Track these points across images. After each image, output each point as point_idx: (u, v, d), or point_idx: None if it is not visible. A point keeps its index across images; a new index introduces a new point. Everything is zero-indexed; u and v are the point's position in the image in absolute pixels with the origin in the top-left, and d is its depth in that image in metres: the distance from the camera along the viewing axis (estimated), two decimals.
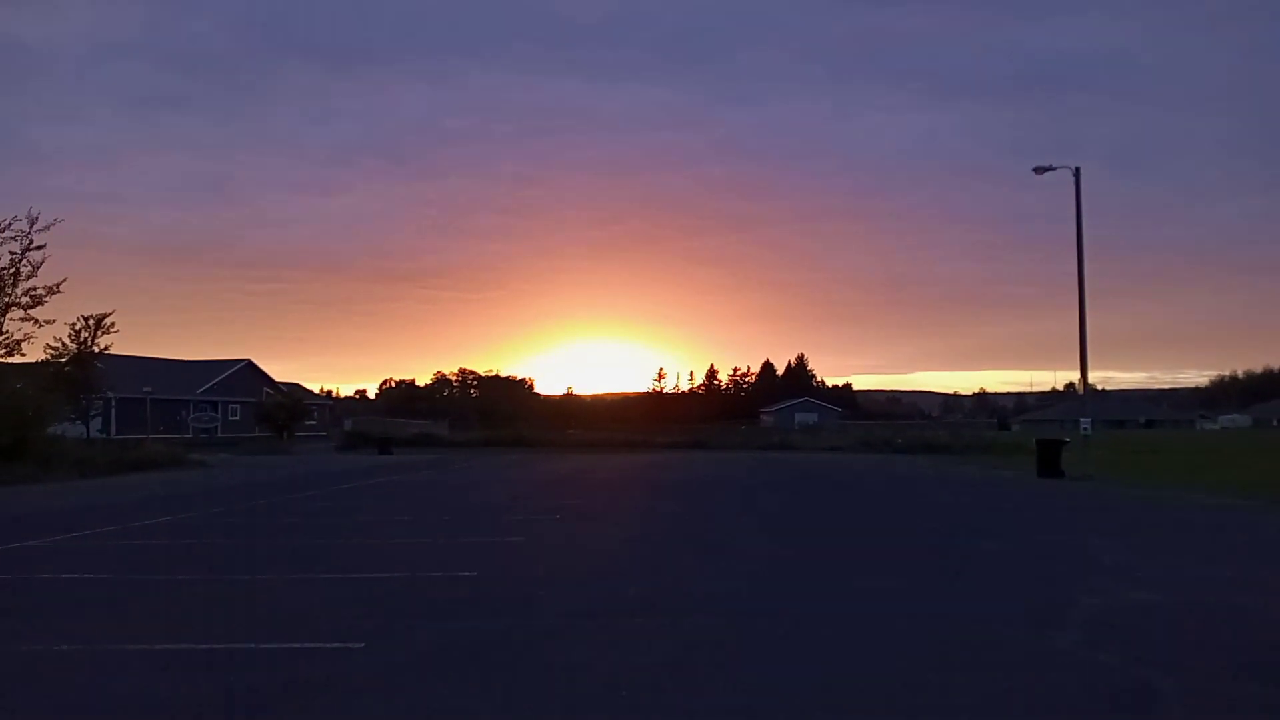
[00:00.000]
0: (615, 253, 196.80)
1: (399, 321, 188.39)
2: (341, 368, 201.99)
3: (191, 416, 61.51)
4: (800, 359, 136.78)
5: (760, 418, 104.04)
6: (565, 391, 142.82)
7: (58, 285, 32.20)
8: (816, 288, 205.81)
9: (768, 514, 17.84)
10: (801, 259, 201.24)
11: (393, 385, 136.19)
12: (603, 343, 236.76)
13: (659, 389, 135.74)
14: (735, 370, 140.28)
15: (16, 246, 31.57)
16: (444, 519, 16.73)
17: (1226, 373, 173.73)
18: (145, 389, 54.51)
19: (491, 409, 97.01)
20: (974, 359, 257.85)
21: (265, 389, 70.60)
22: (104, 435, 50.71)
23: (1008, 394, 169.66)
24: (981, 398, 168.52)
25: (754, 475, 30.35)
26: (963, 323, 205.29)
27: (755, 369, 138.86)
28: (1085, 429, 27.91)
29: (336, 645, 7.11)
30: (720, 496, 21.42)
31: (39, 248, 31.64)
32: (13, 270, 31.66)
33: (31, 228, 31.53)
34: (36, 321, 32.14)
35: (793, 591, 9.36)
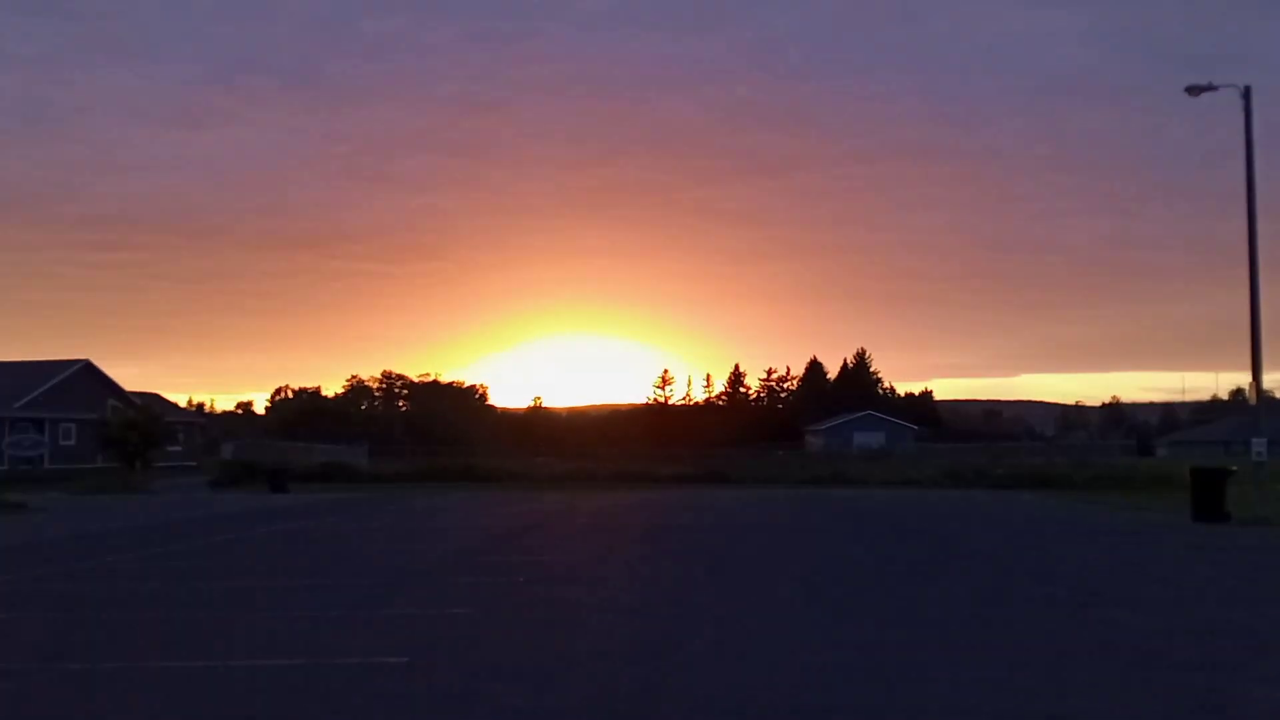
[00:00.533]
0: (599, 208, 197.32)
1: (298, 306, 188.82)
2: (218, 371, 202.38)
3: (7, 441, 61.32)
4: (860, 358, 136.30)
5: (805, 439, 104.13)
6: (532, 404, 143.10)
7: None
8: (880, 257, 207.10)
9: (825, 571, 17.83)
10: (858, 216, 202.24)
11: (290, 396, 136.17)
12: (583, 337, 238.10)
13: (662, 399, 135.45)
14: (769, 373, 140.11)
15: None
16: (364, 583, 16.72)
17: None
18: None
19: (429, 429, 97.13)
20: (1103, 357, 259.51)
21: (111, 401, 70.44)
22: None
23: (1150, 404, 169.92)
24: (1113, 410, 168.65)
25: (800, 518, 30.37)
26: (1087, 306, 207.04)
27: (797, 371, 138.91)
28: (1260, 454, 28.00)
29: None
30: (745, 550, 21.47)
31: None
32: None
33: None
34: None
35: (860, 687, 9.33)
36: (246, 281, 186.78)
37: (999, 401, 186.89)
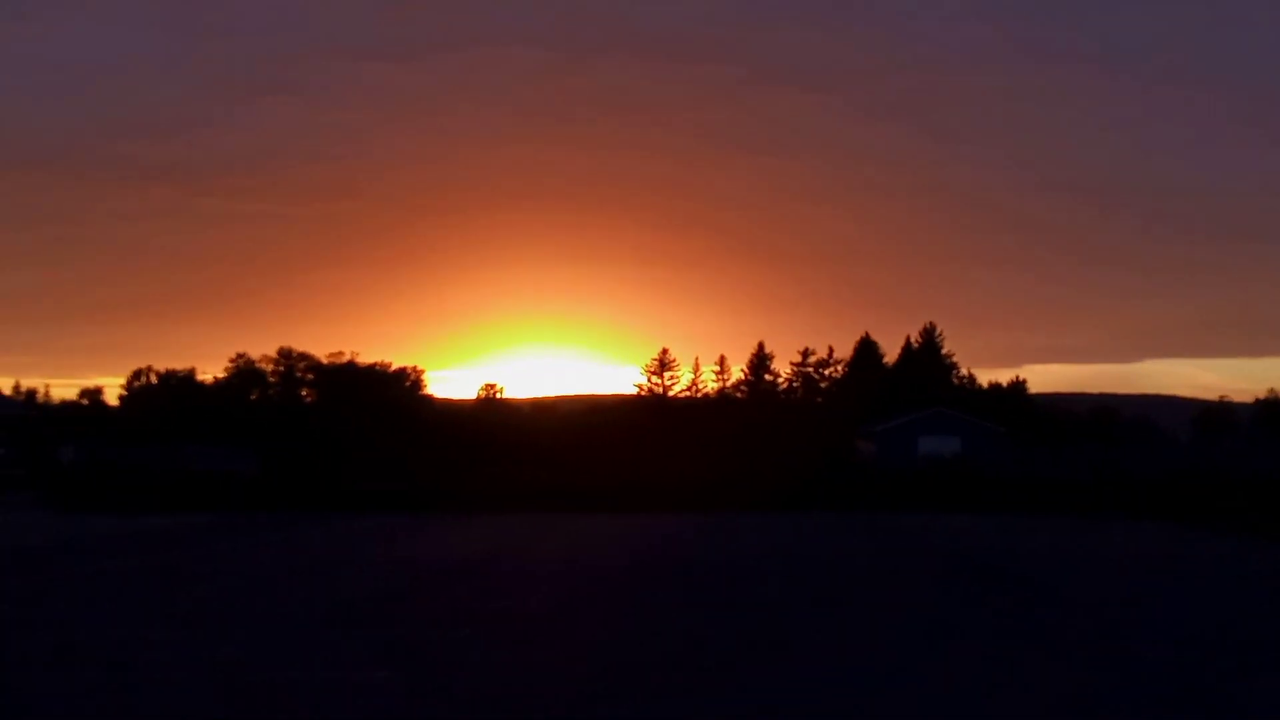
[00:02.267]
0: (570, 129, 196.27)
1: (160, 260, 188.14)
2: (54, 349, 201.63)
3: None
4: (928, 336, 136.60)
5: (856, 443, 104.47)
6: (483, 393, 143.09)
7: None
8: (951, 202, 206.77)
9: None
10: (922, 143, 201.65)
11: (153, 381, 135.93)
12: (552, 305, 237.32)
13: (659, 387, 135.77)
14: (804, 355, 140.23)
15: None
16: (256, 630, 16.66)
17: None
18: None
19: (342, 429, 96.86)
20: (1257, 337, 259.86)
21: None
22: None
23: None
24: (1271, 407, 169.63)
25: (842, 575, 30.38)
26: (1236, 271, 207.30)
27: (843, 353, 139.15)
28: None
29: None
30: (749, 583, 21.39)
31: None
32: None
33: None
34: None
35: None
36: (88, 226, 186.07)
37: (1114, 396, 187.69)
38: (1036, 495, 53.38)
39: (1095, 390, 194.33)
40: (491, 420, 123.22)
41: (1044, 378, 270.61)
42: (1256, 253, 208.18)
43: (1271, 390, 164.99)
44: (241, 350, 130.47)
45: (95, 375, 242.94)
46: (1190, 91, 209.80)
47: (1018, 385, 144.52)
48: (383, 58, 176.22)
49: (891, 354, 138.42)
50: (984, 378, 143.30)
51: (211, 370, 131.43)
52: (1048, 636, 17.34)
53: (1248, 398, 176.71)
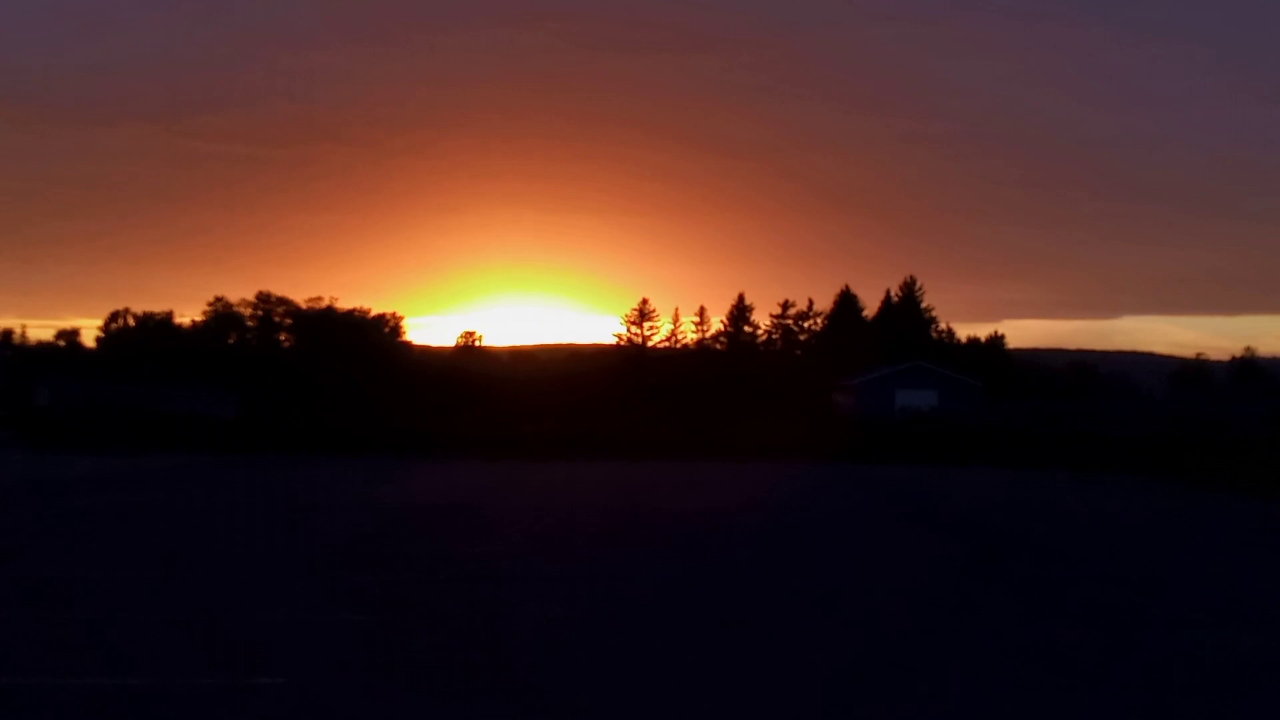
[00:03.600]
0: (555, 76, 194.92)
1: (139, 202, 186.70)
2: (31, 289, 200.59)
3: None
4: (908, 290, 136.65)
5: (833, 397, 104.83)
6: (462, 341, 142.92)
7: None
8: (937, 154, 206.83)
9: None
10: (907, 93, 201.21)
11: (130, 324, 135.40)
12: (532, 251, 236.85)
13: (638, 337, 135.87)
14: (784, 307, 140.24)
15: None
16: (226, 571, 16.74)
17: None
18: None
19: (320, 374, 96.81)
20: (1234, 294, 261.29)
21: None
22: None
23: None
24: (1247, 366, 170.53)
25: (843, 535, 30.65)
26: (1214, 227, 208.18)
27: (823, 306, 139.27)
28: None
29: None
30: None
31: None
32: None
33: None
34: None
35: None
36: (65, 165, 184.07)
37: (1092, 352, 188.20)
38: (1010, 449, 53.86)
39: (1073, 346, 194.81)
40: (470, 367, 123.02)
41: (1022, 333, 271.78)
42: (1234, 211, 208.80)
43: (1248, 348, 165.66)
44: (220, 294, 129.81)
45: (72, 317, 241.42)
46: (1174, 47, 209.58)
47: (996, 340, 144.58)
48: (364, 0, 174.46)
49: (871, 307, 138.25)
50: (963, 332, 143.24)
51: (189, 313, 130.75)
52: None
53: (1224, 355, 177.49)
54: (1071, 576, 18.83)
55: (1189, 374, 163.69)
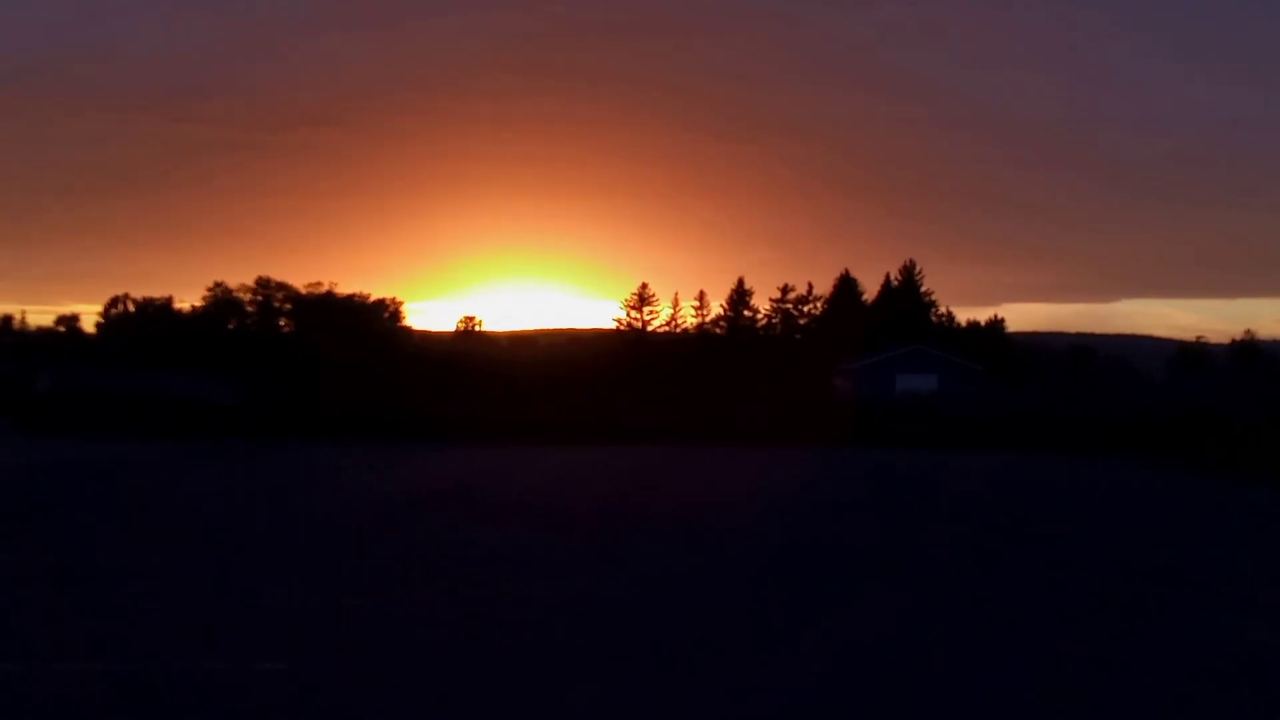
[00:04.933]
0: (550, 58, 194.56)
1: (137, 187, 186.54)
2: (31, 275, 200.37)
3: None
4: (908, 274, 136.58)
5: (833, 381, 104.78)
6: (462, 326, 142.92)
7: None
8: (935, 137, 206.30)
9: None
10: (905, 77, 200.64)
11: (130, 310, 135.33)
12: (530, 235, 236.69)
13: (638, 322, 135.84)
14: (783, 291, 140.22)
15: None
16: (228, 555, 16.75)
17: None
18: None
19: (321, 359, 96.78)
20: (1234, 277, 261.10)
21: None
22: None
23: None
24: (1247, 348, 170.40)
25: (845, 519, 30.62)
26: (1213, 208, 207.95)
27: (822, 290, 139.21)
28: None
29: None
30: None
31: None
32: None
33: None
34: None
35: None
36: (64, 151, 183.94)
37: (1091, 335, 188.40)
38: (1011, 432, 53.84)
39: (1073, 329, 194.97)
40: (470, 352, 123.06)
41: (1022, 316, 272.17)
42: (1234, 193, 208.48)
43: (1248, 331, 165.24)
44: (219, 279, 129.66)
45: (72, 302, 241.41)
46: (1173, 30, 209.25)
47: (996, 324, 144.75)
48: None
49: (871, 291, 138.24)
50: (963, 316, 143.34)
51: (189, 299, 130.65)
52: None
53: (1224, 338, 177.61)
54: (1086, 562, 18.82)
55: (1189, 357, 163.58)
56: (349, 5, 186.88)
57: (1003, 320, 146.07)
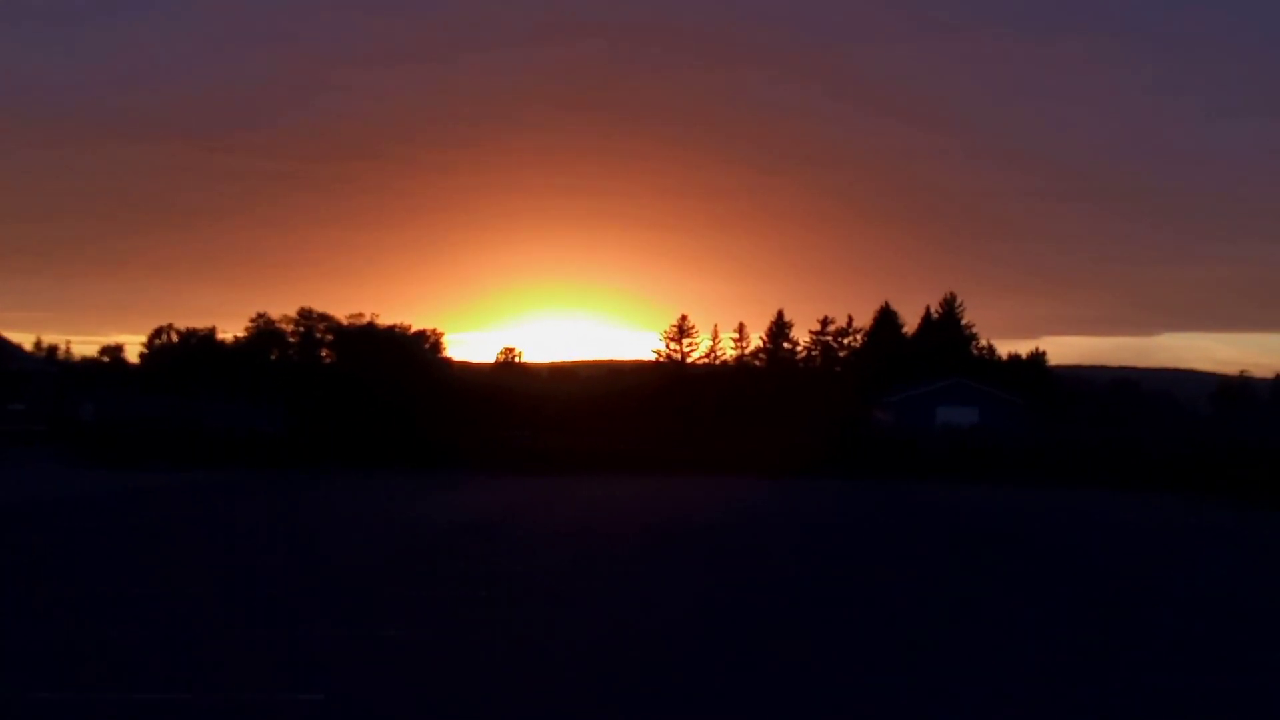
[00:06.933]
0: (590, 93, 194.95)
1: (179, 218, 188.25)
2: (76, 305, 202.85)
3: None
4: (948, 306, 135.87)
5: (873, 414, 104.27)
6: (502, 358, 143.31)
7: None
8: (977, 170, 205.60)
9: None
10: (946, 108, 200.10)
11: (173, 340, 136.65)
12: (571, 269, 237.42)
13: (677, 354, 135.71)
14: (823, 323, 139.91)
15: None
16: (275, 586, 16.80)
17: None
18: None
19: (363, 389, 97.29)
20: (1276, 310, 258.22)
21: None
22: None
23: None
24: None
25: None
26: (1258, 240, 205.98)
27: (862, 322, 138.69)
28: None
29: None
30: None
31: None
32: None
33: None
34: None
35: None
36: (107, 182, 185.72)
37: (1133, 369, 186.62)
38: (1054, 467, 53.21)
39: (1115, 363, 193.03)
40: (510, 384, 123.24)
41: (1063, 349, 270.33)
42: (1276, 227, 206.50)
43: None
44: (262, 310, 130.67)
45: (116, 333, 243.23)
46: (1214, 62, 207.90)
47: (1037, 357, 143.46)
48: (403, 17, 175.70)
49: (911, 324, 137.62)
50: (1003, 349, 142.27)
51: (232, 330, 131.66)
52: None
53: (1268, 373, 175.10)
54: (1141, 600, 18.61)
55: (1232, 391, 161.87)
56: (393, 39, 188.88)
57: (1044, 353, 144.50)
